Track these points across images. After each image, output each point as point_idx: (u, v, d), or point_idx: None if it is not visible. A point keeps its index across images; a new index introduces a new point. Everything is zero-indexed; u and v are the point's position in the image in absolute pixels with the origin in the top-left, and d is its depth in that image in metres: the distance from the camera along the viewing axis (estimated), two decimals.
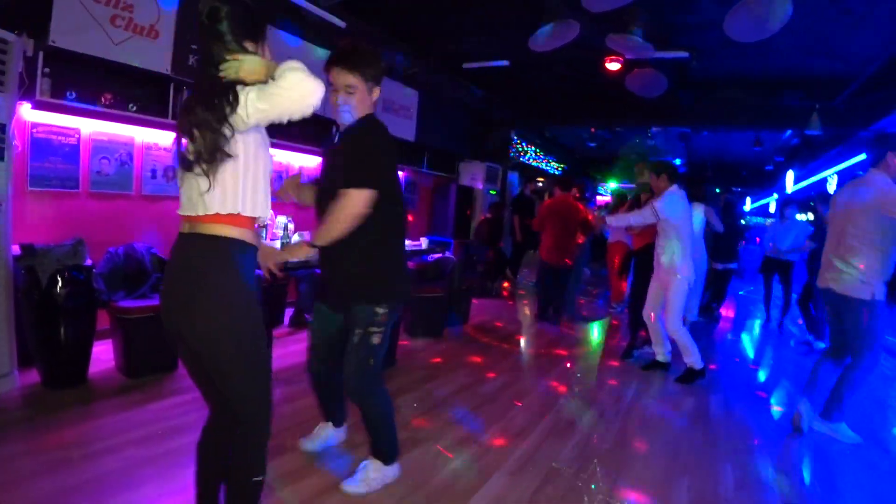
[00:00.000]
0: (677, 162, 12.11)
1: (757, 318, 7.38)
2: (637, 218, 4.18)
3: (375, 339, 2.13)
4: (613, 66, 5.92)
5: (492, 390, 3.77)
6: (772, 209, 15.94)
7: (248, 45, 1.52)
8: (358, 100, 2.08)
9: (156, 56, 3.81)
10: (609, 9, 4.13)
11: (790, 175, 12.56)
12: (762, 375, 4.90)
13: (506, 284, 7.96)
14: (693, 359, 4.08)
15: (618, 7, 4.12)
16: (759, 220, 16.49)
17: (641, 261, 4.70)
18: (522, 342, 5.34)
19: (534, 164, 11.74)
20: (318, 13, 4.29)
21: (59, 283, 3.01)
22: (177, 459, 2.41)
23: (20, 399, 3.00)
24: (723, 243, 6.33)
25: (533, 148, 11.37)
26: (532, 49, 4.99)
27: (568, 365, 4.54)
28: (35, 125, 3.56)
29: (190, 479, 1.76)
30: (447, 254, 5.28)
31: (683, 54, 5.40)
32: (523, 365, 4.64)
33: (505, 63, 6.44)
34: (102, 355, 3.56)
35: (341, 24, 4.57)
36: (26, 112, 3.49)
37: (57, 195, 3.71)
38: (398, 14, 5.26)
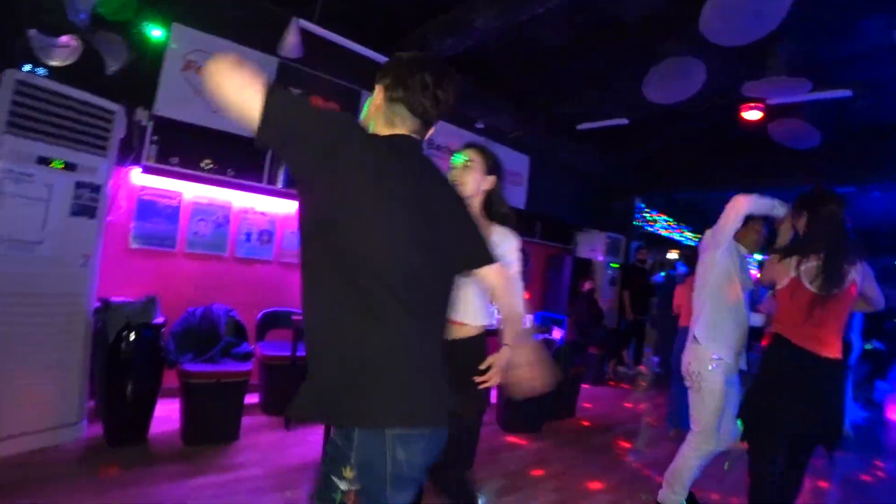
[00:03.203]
0: None
1: None
2: None
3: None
4: (752, 115, 5.08)
5: None
6: None
7: None
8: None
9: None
10: (744, 42, 3.42)
11: None
12: None
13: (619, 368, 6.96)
14: None
15: (755, 40, 3.41)
16: None
17: None
18: (639, 445, 4.36)
19: (664, 233, 10.59)
20: None
21: (125, 340, 2.99)
22: None
23: (79, 451, 2.97)
24: None
25: (664, 217, 10.30)
26: (652, 100, 4.41)
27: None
28: (143, 188, 3.80)
29: None
30: (552, 334, 4.63)
31: (846, 93, 4.41)
32: (637, 478, 3.58)
33: (623, 121, 5.88)
34: (169, 414, 3.48)
35: None
36: (136, 176, 3.75)
37: (155, 253, 3.87)
38: (500, 71, 5.06)
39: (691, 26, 3.43)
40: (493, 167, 2.06)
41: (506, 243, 2.00)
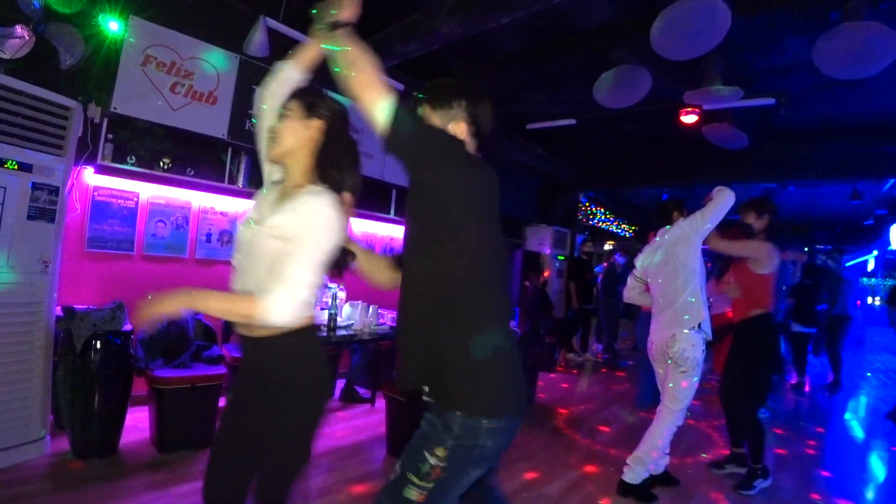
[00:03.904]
0: None
1: None
2: None
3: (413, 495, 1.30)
4: (689, 118, 5.50)
5: (560, 490, 3.17)
6: (870, 267, 14.31)
7: None
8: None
9: (214, 122, 3.86)
10: (688, 57, 3.76)
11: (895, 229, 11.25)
12: None
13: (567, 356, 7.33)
14: None
15: (697, 56, 3.76)
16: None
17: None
18: (599, 427, 4.65)
19: (603, 226, 11.19)
20: None
21: (94, 349, 2.88)
22: None
23: (47, 467, 2.83)
24: None
25: (602, 210, 10.87)
26: (601, 104, 4.70)
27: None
28: (97, 188, 3.62)
29: None
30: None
31: (770, 101, 4.90)
32: (601, 457, 3.79)
33: (571, 122, 6.17)
34: (141, 423, 3.38)
35: (399, 86, 4.50)
36: (89, 176, 3.57)
37: (112, 257, 3.70)
38: (454, 73, 5.18)
39: (641, 37, 3.71)
40: (315, 109, 1.53)
41: (305, 209, 1.41)
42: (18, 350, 2.83)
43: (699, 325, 2.93)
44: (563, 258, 8.21)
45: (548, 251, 8.00)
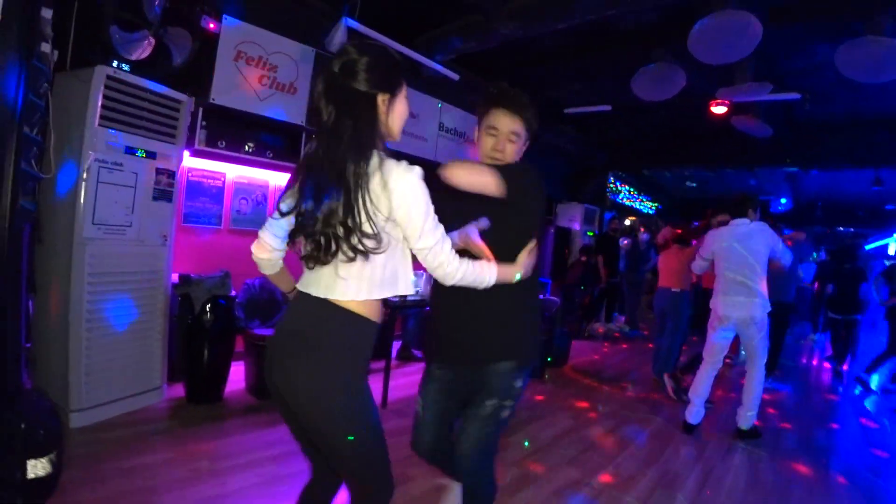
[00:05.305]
0: (783, 201, 11.44)
1: None
2: None
3: (506, 413, 1.79)
4: (719, 109, 5.82)
5: (597, 433, 3.76)
6: (892, 251, 14.54)
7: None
8: (516, 150, 1.85)
9: (294, 109, 4.29)
10: (724, 62, 4.12)
11: None
12: None
13: (600, 330, 7.82)
14: None
15: (732, 61, 4.12)
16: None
17: None
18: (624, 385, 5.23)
19: (627, 203, 11.54)
20: (433, 66, 4.62)
21: (209, 311, 3.40)
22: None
23: (167, 411, 3.40)
24: None
25: (627, 187, 11.21)
26: (637, 96, 5.05)
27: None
28: (190, 170, 4.09)
29: None
30: (548, 296, 5.32)
31: (795, 96, 5.21)
32: (626, 408, 4.47)
33: (607, 108, 6.51)
34: (234, 376, 3.93)
35: (454, 76, 4.86)
36: (185, 159, 4.03)
37: (204, 230, 4.21)
38: (503, 65, 5.52)
39: (680, 39, 4.05)
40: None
41: None
42: (144, 312, 3.36)
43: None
44: (591, 234, 8.65)
45: (577, 227, 8.44)
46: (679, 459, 3.43)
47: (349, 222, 1.27)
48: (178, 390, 3.60)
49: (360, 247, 1.28)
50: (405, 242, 1.37)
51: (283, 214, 1.42)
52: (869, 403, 5.37)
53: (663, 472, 3.19)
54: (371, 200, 1.27)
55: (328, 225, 1.28)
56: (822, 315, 8.09)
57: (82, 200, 2.96)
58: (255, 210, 4.46)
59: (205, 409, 3.47)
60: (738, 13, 3.67)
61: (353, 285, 1.33)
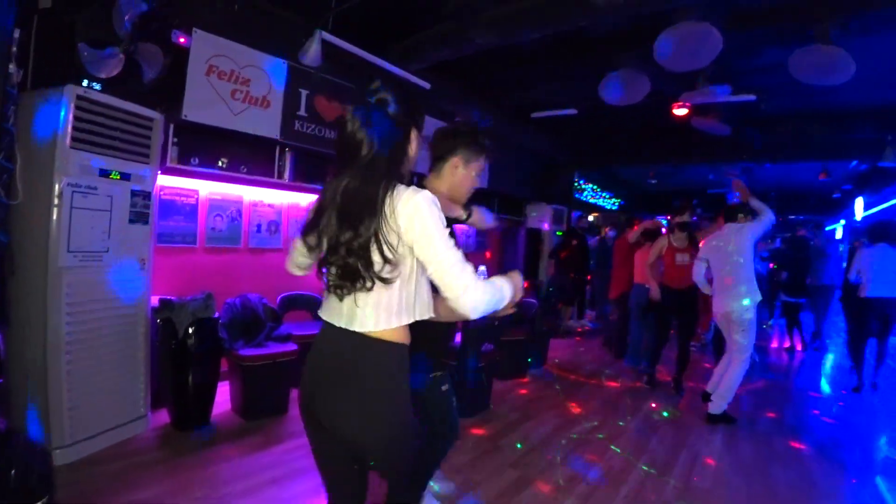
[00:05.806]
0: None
1: None
2: None
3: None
4: (681, 111, 6.04)
5: (585, 430, 3.89)
6: (838, 235, 15.46)
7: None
8: None
9: (267, 124, 4.22)
10: (687, 69, 4.30)
11: (860, 202, 12.21)
12: None
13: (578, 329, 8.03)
14: None
15: (695, 69, 4.31)
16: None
17: None
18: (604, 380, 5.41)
19: (591, 200, 11.81)
20: (405, 76, 4.62)
21: (192, 334, 3.32)
22: (311, 500, 2.62)
23: (155, 440, 3.29)
24: None
25: (591, 185, 11.47)
26: (605, 100, 5.20)
27: (653, 405, 4.55)
28: (162, 188, 3.95)
29: None
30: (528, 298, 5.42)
31: (751, 97, 5.48)
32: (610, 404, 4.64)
33: (573, 112, 6.65)
34: (219, 397, 3.84)
35: (426, 85, 4.87)
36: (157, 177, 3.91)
37: (179, 250, 4.09)
38: (474, 70, 5.57)
39: (647, 44, 4.19)
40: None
41: None
42: (125, 339, 3.25)
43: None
44: (560, 234, 8.82)
45: (546, 227, 8.58)
46: (666, 446, 3.64)
47: (372, 250, 1.31)
48: (163, 417, 3.50)
49: (383, 275, 1.32)
50: (420, 267, 1.39)
51: (311, 249, 1.46)
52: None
53: (652, 461, 3.36)
54: (387, 227, 1.31)
55: (357, 256, 1.32)
56: (778, 300, 8.52)
57: (55, 227, 2.83)
58: (231, 227, 4.36)
59: (194, 434, 3.38)
60: (699, 24, 3.85)
61: (370, 314, 1.36)
